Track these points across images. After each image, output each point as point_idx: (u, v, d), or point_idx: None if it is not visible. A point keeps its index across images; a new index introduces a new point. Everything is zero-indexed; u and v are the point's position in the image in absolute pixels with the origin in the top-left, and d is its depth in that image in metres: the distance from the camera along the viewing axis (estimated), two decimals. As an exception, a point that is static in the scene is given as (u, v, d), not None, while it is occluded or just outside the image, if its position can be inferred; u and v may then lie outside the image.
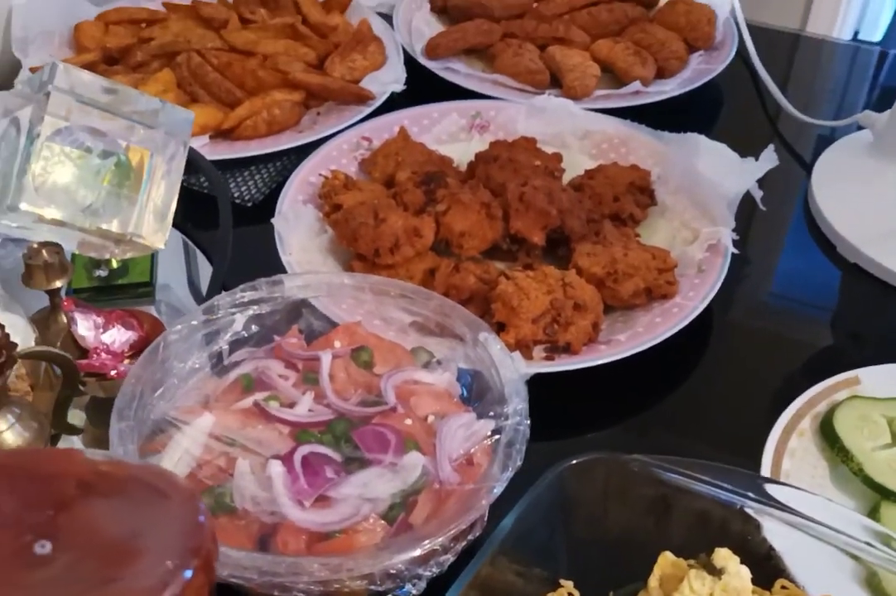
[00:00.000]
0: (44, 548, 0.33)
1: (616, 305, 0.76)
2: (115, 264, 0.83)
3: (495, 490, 0.54)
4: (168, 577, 0.32)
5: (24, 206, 0.68)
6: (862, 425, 0.66)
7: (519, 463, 0.55)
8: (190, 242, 0.87)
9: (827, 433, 0.66)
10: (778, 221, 0.92)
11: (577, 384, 0.71)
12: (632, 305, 0.76)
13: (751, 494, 0.54)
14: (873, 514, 0.63)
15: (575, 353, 0.72)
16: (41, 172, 0.71)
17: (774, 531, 0.54)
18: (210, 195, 0.91)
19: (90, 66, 0.97)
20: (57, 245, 0.74)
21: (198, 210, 0.83)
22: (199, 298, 0.86)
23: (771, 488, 0.54)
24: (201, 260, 0.86)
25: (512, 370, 0.60)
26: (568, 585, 0.55)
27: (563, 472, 0.54)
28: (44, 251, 0.73)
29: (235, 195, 0.92)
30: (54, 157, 0.72)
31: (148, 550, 0.33)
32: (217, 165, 0.86)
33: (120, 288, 0.82)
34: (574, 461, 0.54)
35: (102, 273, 0.82)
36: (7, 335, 0.57)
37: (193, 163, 0.80)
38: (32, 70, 0.97)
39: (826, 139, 1.01)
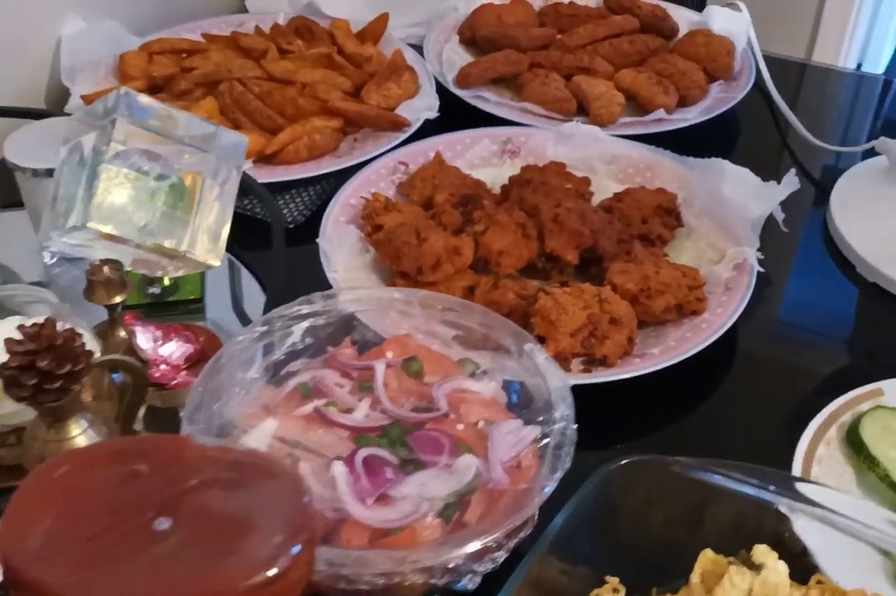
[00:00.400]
0: (163, 524, 0.36)
1: (648, 321, 0.80)
2: (166, 282, 0.87)
3: (546, 490, 0.57)
4: (278, 551, 0.36)
5: (91, 224, 0.72)
6: (887, 434, 0.69)
7: (567, 465, 0.58)
8: (235, 261, 0.91)
9: (853, 441, 0.70)
10: (798, 243, 0.96)
11: (611, 396, 0.74)
12: (663, 321, 0.80)
13: (785, 493, 0.57)
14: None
15: (611, 365, 0.75)
16: (102, 193, 0.75)
17: (807, 528, 0.58)
18: (253, 217, 0.95)
19: (137, 95, 1.01)
20: (117, 262, 0.78)
21: (242, 230, 0.87)
22: (242, 316, 0.90)
23: (803, 487, 0.58)
24: (245, 277, 0.90)
25: (558, 378, 0.64)
26: (613, 581, 0.58)
27: (610, 473, 0.58)
28: (105, 268, 0.77)
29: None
30: (114, 178, 0.75)
31: (258, 527, 0.37)
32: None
33: (172, 304, 0.86)
34: (620, 462, 0.58)
35: (155, 290, 0.86)
36: (83, 344, 0.61)
37: (247, 187, 0.84)
38: (84, 98, 1.01)
39: (840, 164, 1.06)
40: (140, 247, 0.76)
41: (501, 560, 0.57)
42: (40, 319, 0.62)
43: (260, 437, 0.61)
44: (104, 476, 0.38)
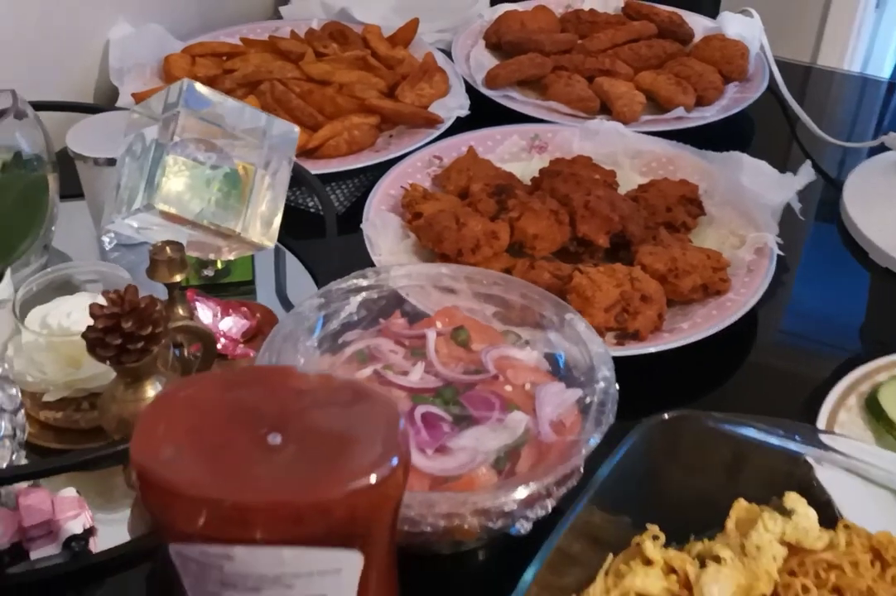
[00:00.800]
0: (275, 439, 0.41)
1: (676, 299, 0.85)
2: (220, 265, 0.92)
3: (591, 442, 0.62)
4: (379, 460, 0.40)
5: (158, 205, 0.77)
6: (902, 400, 0.74)
7: (611, 420, 0.63)
8: (283, 248, 0.96)
9: (872, 407, 0.74)
10: (813, 231, 1.01)
11: (643, 369, 0.79)
12: (690, 300, 0.85)
13: (811, 443, 0.62)
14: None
15: (643, 339, 0.80)
16: (164, 181, 0.80)
17: (832, 477, 0.62)
18: (299, 208, 1.01)
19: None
20: (178, 243, 0.83)
21: (289, 221, 0.92)
22: (284, 301, 0.94)
23: (828, 439, 0.62)
24: (292, 264, 0.95)
25: (598, 344, 0.69)
26: (654, 528, 0.62)
27: (650, 428, 0.62)
28: (167, 248, 0.82)
29: (320, 208, 1.01)
30: (174, 166, 0.81)
31: (359, 442, 0.41)
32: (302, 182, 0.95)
33: (224, 286, 0.91)
34: (660, 418, 0.63)
35: (209, 273, 0.91)
36: (162, 310, 0.66)
37: (298, 176, 0.90)
38: (135, 96, 1.07)
39: (849, 159, 1.11)
40: (198, 227, 0.81)
41: (551, 508, 0.62)
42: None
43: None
44: (220, 397, 0.43)
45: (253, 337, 0.81)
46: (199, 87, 0.82)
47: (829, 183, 1.09)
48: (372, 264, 0.87)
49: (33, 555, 0.66)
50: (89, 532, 0.67)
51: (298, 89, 1.09)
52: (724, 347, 0.84)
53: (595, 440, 0.62)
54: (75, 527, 0.66)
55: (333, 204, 0.98)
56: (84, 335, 0.64)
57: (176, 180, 0.81)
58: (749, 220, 0.92)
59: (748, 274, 0.87)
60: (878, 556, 0.58)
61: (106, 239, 0.93)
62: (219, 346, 0.78)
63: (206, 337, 0.71)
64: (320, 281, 0.86)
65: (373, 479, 0.39)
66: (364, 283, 0.74)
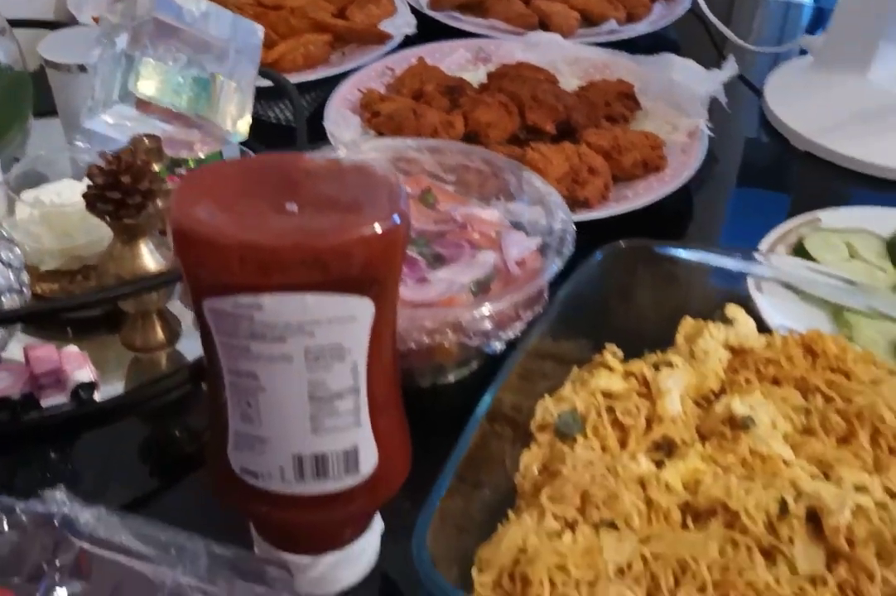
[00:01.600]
0: (292, 207, 0.47)
1: (619, 175, 0.92)
2: (191, 164, 0.97)
3: (553, 267, 0.69)
4: (385, 216, 0.47)
5: (138, 90, 0.82)
6: (826, 245, 0.83)
7: (571, 250, 0.70)
8: (249, 152, 1.01)
9: (799, 252, 0.83)
10: (738, 123, 1.10)
11: (591, 239, 0.87)
12: (632, 176, 0.93)
13: (751, 262, 0.70)
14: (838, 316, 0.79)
15: (592, 207, 0.88)
16: (138, 82, 0.85)
17: (769, 293, 0.71)
18: (260, 119, 1.07)
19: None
20: (156, 135, 0.88)
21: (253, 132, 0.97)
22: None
23: (764, 258, 0.70)
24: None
25: (555, 195, 0.76)
26: (612, 346, 0.70)
27: (607, 253, 0.70)
28: (146, 139, 0.87)
29: (282, 119, 1.07)
30: (146, 69, 0.86)
31: (367, 204, 0.48)
32: (262, 93, 1.01)
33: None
34: (618, 244, 0.70)
35: (181, 173, 0.96)
36: (155, 169, 0.71)
37: (273, 80, 0.95)
38: (95, 20, 1.11)
39: (771, 64, 1.21)
40: (174, 117, 0.86)
41: (520, 330, 0.69)
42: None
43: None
44: (240, 176, 0.49)
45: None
46: (165, -5, 0.87)
47: (751, 88, 1.18)
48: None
49: (44, 403, 0.71)
50: (94, 384, 0.73)
51: (251, 12, 1.14)
52: (663, 221, 0.91)
53: (557, 266, 0.69)
54: (82, 376, 0.72)
55: (304, 106, 1.04)
56: (84, 194, 0.70)
57: (148, 82, 0.86)
58: (681, 111, 1.01)
59: (683, 154, 0.95)
60: (809, 350, 0.66)
61: (80, 144, 0.98)
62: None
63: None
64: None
65: (379, 228, 0.46)
66: (334, 155, 0.80)
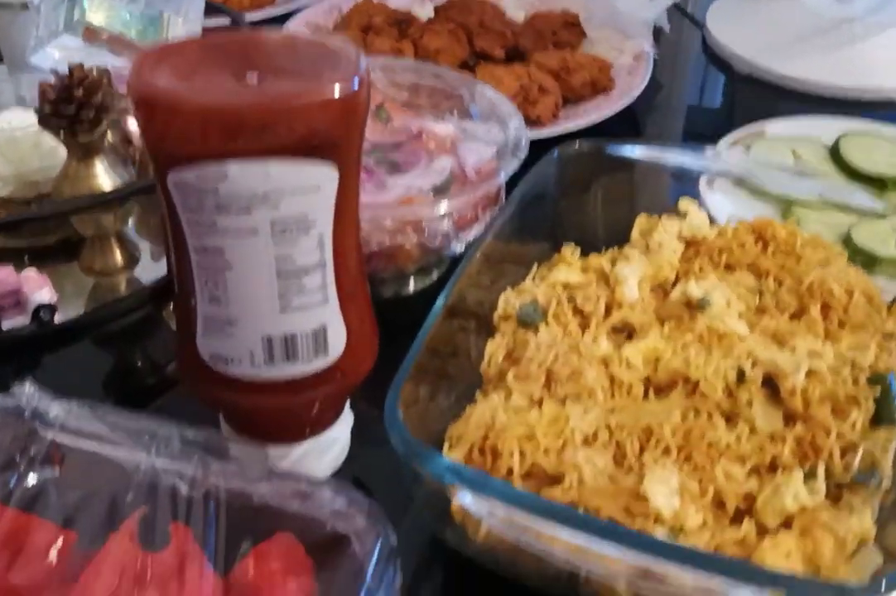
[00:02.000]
0: (253, 78, 0.48)
1: (568, 96, 0.94)
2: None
3: (510, 167, 0.70)
4: (345, 80, 0.47)
5: (88, 18, 0.82)
6: (772, 153, 0.85)
7: (525, 151, 0.72)
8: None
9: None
10: (681, 50, 1.12)
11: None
12: (581, 96, 0.94)
13: (703, 159, 0.71)
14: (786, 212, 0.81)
15: (543, 124, 0.89)
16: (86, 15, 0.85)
17: (720, 189, 0.72)
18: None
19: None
20: (105, 69, 0.88)
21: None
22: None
23: (716, 155, 0.72)
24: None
25: (507, 104, 0.77)
26: (570, 246, 0.71)
27: (561, 153, 0.71)
28: (94, 69, 0.87)
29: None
30: (91, 4, 0.86)
31: (328, 72, 0.48)
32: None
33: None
34: (573, 145, 0.71)
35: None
36: (109, 83, 0.71)
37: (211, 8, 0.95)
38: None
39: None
40: (125, 48, 0.86)
41: (479, 231, 0.70)
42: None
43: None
44: (201, 49, 0.50)
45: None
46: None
47: (690, 20, 1.20)
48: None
49: (5, 325, 0.71)
50: (54, 306, 0.73)
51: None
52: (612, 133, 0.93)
53: (513, 166, 0.71)
54: (42, 297, 0.72)
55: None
56: (37, 110, 0.70)
57: (94, 15, 0.86)
58: (626, 36, 1.02)
59: (629, 75, 0.97)
60: (760, 237, 0.68)
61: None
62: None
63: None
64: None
65: (339, 91, 0.46)
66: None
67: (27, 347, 0.72)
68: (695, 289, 0.64)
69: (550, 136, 0.88)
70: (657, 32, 1.06)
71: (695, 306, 0.63)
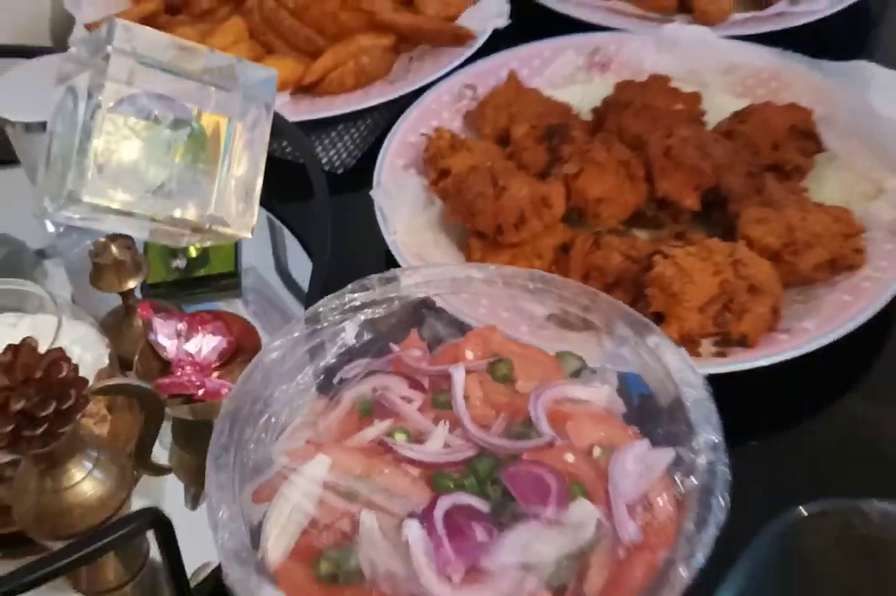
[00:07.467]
0: None
1: (793, 282, 0.63)
2: (193, 253, 0.72)
3: (698, 556, 0.42)
4: None
5: (86, 198, 0.57)
6: None
7: (722, 517, 0.43)
8: (274, 218, 0.75)
9: None
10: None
11: (751, 386, 0.58)
12: (811, 281, 0.63)
13: None
14: None
15: (752, 346, 0.59)
16: (104, 150, 0.60)
17: None
18: (294, 161, 0.80)
19: (151, 18, 0.86)
20: (128, 238, 0.63)
21: (280, 179, 0.71)
22: (290, 283, 0.75)
23: None
24: (287, 239, 0.75)
25: (698, 387, 0.48)
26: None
27: (789, 527, 0.42)
28: (113, 247, 0.63)
29: (324, 161, 0.80)
30: (118, 130, 0.61)
31: None
32: (300, 127, 0.74)
33: (201, 280, 0.72)
34: (805, 510, 0.42)
35: (180, 264, 0.72)
36: (76, 370, 0.46)
37: (276, 128, 0.69)
38: (88, 27, 0.86)
39: None
40: (155, 220, 0.61)
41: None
42: (21, 334, 0.48)
43: (306, 484, 0.47)
44: None
45: (230, 359, 0.62)
46: (138, 28, 0.61)
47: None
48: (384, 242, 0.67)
49: None
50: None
51: (292, 4, 0.86)
52: (856, 349, 0.62)
53: (703, 553, 0.42)
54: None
55: (322, 165, 0.77)
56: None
57: (125, 148, 0.61)
58: (885, 158, 0.69)
59: (890, 238, 0.64)
60: None
61: (49, 225, 0.74)
62: (184, 378, 0.59)
63: (147, 397, 0.52)
64: (318, 269, 0.66)
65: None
66: (365, 298, 0.54)
67: None
68: None
69: (760, 365, 0.58)
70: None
71: None
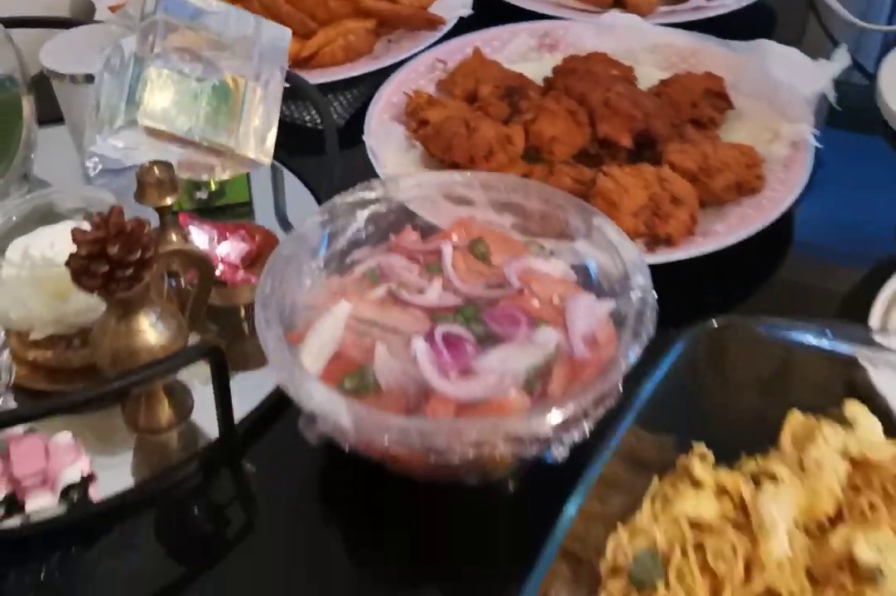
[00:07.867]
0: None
1: (708, 201, 0.78)
2: (213, 186, 0.85)
3: (630, 357, 0.56)
4: None
5: (142, 120, 0.70)
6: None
7: (651, 332, 0.57)
8: (281, 166, 0.89)
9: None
10: (849, 123, 0.94)
11: (672, 275, 0.73)
12: (723, 201, 0.78)
13: (868, 345, 0.56)
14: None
15: (675, 244, 0.74)
16: (148, 95, 0.73)
17: (891, 381, 0.57)
18: (296, 123, 0.94)
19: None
20: (167, 163, 0.76)
21: (285, 136, 0.84)
22: (284, 222, 0.88)
23: (885, 340, 0.56)
24: (291, 182, 0.89)
25: (631, 249, 0.62)
26: (700, 447, 0.57)
27: (696, 336, 0.57)
28: (156, 168, 0.75)
29: (318, 121, 0.94)
30: (157, 80, 0.74)
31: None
32: (289, 92, 0.88)
33: (219, 209, 0.85)
34: (707, 325, 0.57)
35: (202, 195, 0.85)
36: (151, 233, 0.60)
37: (294, 85, 0.82)
38: (112, 9, 0.99)
39: (885, 46, 1.03)
40: (188, 144, 0.74)
41: (588, 431, 0.57)
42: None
43: (334, 320, 0.60)
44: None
45: (253, 262, 0.75)
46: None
47: (862, 72, 1.01)
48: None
49: (29, 506, 0.61)
50: (88, 480, 0.63)
51: (288, -6, 1.01)
52: (759, 249, 0.77)
53: (634, 354, 0.57)
54: (72, 475, 0.62)
55: (332, 115, 0.91)
56: (68, 264, 0.59)
57: (160, 95, 0.74)
58: (782, 112, 0.85)
59: (784, 170, 0.80)
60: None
61: (90, 164, 0.87)
62: (217, 272, 0.72)
63: (202, 262, 0.65)
64: (322, 199, 0.79)
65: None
66: (371, 195, 0.68)
67: (57, 534, 0.62)
68: (864, 550, 0.49)
69: (682, 259, 0.73)
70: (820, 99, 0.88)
71: (863, 575, 0.49)
